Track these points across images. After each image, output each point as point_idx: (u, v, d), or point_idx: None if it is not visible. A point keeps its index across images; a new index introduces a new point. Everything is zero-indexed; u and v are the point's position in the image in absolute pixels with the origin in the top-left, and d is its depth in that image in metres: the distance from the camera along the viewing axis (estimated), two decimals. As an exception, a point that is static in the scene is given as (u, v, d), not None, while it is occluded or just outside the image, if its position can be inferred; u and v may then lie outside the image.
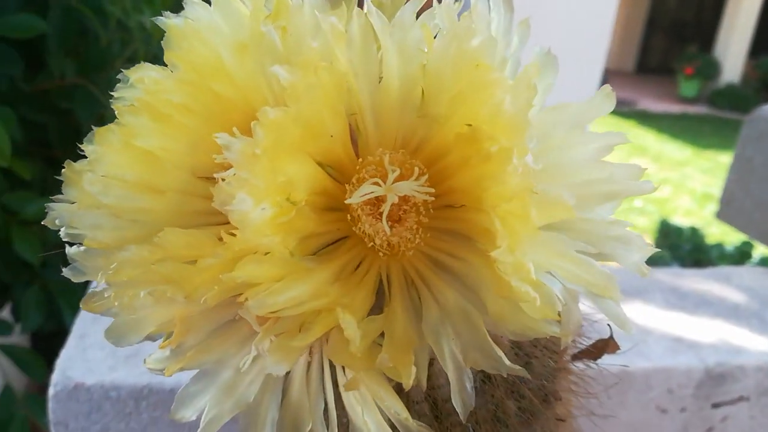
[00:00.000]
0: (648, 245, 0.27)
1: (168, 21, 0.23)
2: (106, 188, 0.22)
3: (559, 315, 0.22)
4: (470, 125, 0.21)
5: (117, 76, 0.23)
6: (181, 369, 0.24)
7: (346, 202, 0.22)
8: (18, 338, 1.03)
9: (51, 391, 0.53)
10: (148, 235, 0.22)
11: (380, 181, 0.22)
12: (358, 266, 0.24)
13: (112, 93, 0.23)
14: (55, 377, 0.53)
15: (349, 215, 0.23)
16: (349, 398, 0.24)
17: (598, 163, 0.28)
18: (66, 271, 0.23)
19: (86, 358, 0.55)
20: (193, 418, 0.25)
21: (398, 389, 0.27)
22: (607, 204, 0.28)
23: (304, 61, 0.20)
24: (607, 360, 0.65)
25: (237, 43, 0.23)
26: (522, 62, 0.27)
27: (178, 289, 0.20)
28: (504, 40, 0.26)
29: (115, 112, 0.23)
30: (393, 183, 0.22)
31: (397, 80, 0.23)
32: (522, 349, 0.30)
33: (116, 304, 0.22)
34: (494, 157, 0.20)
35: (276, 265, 0.20)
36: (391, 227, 0.23)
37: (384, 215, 0.22)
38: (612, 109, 0.28)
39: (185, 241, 0.20)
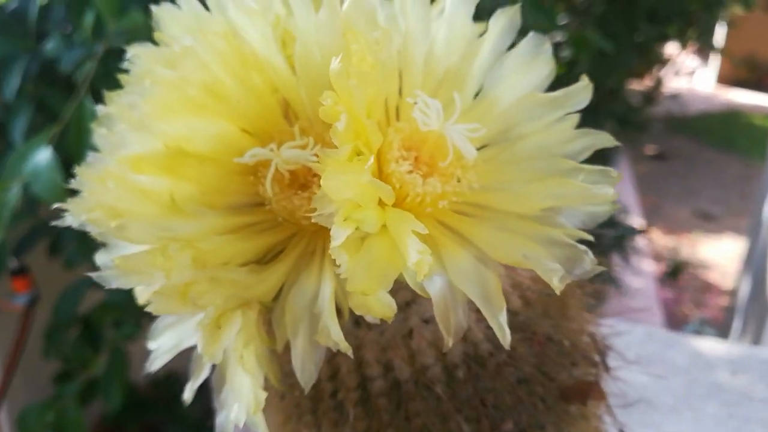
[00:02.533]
0: (590, 263, 0.22)
1: (157, 8, 0.28)
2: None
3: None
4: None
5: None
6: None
7: (234, 161, 0.24)
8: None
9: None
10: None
11: (275, 147, 0.24)
12: (273, 228, 0.26)
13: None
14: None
15: (252, 177, 0.25)
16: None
17: (573, 163, 0.24)
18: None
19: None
20: (154, 347, 0.29)
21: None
22: (573, 212, 0.24)
23: (204, 31, 0.23)
24: None
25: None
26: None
27: (87, 214, 0.24)
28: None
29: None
30: (285, 150, 0.23)
31: (320, 58, 0.24)
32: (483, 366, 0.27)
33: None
34: (326, 119, 0.20)
35: (148, 201, 0.23)
36: (293, 193, 0.24)
37: (269, 176, 0.23)
38: (588, 101, 0.24)
39: (98, 175, 0.24)
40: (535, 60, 0.26)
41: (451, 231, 0.24)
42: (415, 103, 0.23)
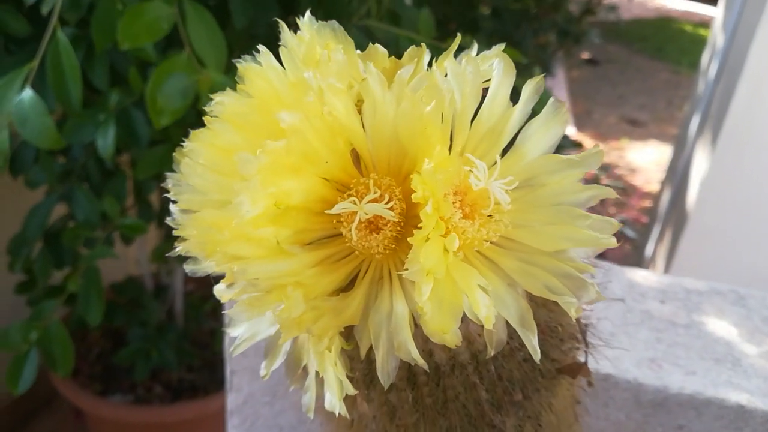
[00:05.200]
0: (595, 293, 0.30)
1: (244, 63, 0.32)
2: (192, 171, 0.33)
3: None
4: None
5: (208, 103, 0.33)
6: (231, 300, 0.35)
7: (325, 212, 0.30)
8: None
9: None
10: (218, 205, 0.33)
11: (356, 200, 0.30)
12: (347, 257, 0.32)
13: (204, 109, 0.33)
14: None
15: (335, 218, 0.31)
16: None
17: (582, 212, 0.32)
18: (168, 220, 0.35)
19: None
20: (236, 335, 0.36)
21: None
22: (580, 249, 0.32)
23: (302, 110, 0.29)
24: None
25: (290, 82, 0.32)
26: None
27: (203, 252, 0.30)
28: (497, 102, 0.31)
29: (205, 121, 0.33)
30: (367, 203, 0.30)
31: (391, 128, 0.30)
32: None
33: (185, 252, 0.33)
34: (417, 201, 0.27)
35: (260, 246, 0.29)
36: (369, 234, 0.31)
37: (353, 225, 0.30)
38: (599, 165, 0.31)
39: (212, 219, 0.30)
40: (554, 121, 0.32)
41: (487, 259, 0.32)
42: (471, 170, 0.29)
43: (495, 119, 0.32)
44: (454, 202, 0.31)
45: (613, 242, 0.31)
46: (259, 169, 0.28)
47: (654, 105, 3.53)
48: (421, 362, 0.29)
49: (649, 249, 2.08)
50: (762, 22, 1.51)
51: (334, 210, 0.30)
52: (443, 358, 0.35)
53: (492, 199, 0.30)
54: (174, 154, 0.35)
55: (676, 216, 1.83)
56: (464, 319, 0.35)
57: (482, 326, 0.34)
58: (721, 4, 1.90)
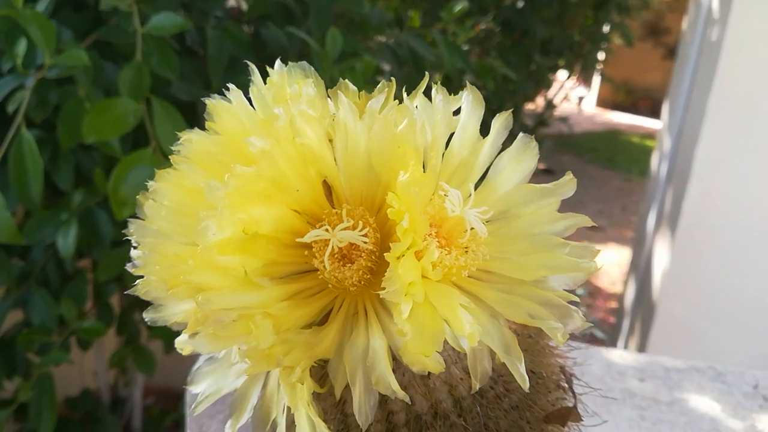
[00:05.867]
0: (581, 320, 0.29)
1: (212, 101, 0.32)
2: (156, 213, 0.32)
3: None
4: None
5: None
6: (193, 352, 0.33)
7: (296, 240, 0.29)
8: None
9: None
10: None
11: (329, 228, 0.29)
12: (320, 292, 0.31)
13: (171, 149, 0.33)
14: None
15: (307, 251, 0.30)
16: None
17: (561, 240, 0.31)
18: (128, 266, 0.33)
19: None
20: (199, 391, 0.34)
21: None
22: (560, 276, 0.31)
23: (273, 135, 0.28)
24: None
25: (260, 120, 0.32)
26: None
27: (166, 286, 0.28)
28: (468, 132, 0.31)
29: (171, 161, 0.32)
30: (340, 230, 0.29)
31: (363, 156, 0.30)
32: (483, 397, 0.33)
33: (144, 291, 0.31)
34: (393, 218, 0.26)
35: (226, 276, 0.27)
36: (342, 266, 0.30)
37: (326, 254, 0.29)
38: (573, 192, 0.31)
39: (174, 252, 0.29)
40: (524, 154, 0.33)
41: (467, 293, 0.31)
42: (446, 195, 0.29)
43: (466, 151, 0.32)
44: (429, 233, 0.30)
45: (594, 267, 0.30)
46: (227, 193, 0.27)
47: (610, 211, 3.65)
48: (402, 394, 0.27)
49: (620, 346, 2.06)
50: (704, 125, 1.61)
51: (307, 238, 0.29)
52: (424, 406, 0.32)
53: (468, 228, 0.30)
54: (138, 197, 0.33)
55: (644, 310, 1.84)
56: (445, 362, 0.33)
57: (467, 373, 0.32)
58: (665, 113, 2.02)
